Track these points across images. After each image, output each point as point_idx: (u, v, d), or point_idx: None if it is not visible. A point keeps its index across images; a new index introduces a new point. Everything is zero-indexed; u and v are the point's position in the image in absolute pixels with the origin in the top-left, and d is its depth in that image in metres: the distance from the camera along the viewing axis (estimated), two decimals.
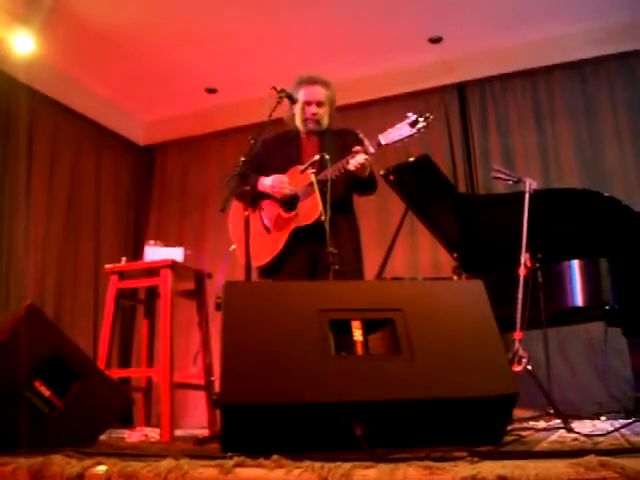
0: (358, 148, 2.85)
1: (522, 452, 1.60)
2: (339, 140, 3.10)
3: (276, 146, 3.21)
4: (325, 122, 3.17)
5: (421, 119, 2.79)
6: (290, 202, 3.06)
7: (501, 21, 5.11)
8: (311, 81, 3.18)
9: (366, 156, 2.85)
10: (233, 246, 3.11)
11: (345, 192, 3.09)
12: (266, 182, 3.09)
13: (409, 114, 2.84)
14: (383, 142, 2.85)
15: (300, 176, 2.97)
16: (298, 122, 3.18)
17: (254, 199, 3.10)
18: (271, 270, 3.09)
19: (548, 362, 3.23)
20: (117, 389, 2.50)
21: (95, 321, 5.55)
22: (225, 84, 5.93)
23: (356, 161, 2.85)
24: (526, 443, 1.95)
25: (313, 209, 2.86)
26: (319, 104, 3.15)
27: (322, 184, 2.79)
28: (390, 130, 2.85)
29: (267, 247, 3.06)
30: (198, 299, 3.78)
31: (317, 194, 2.73)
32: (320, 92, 3.16)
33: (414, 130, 2.80)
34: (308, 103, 3.13)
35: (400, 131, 2.82)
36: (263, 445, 1.52)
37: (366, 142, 2.86)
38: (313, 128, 3.15)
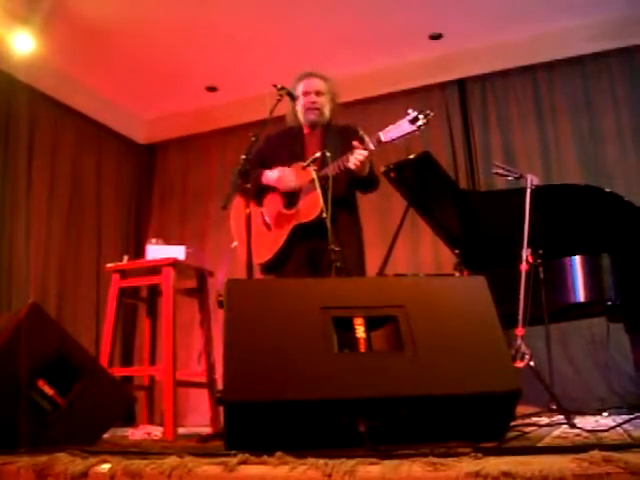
0: (358, 144, 2.85)
1: (525, 448, 1.60)
2: (342, 136, 3.09)
3: (279, 142, 3.21)
4: (326, 112, 3.16)
5: (421, 116, 2.78)
6: (292, 198, 3.05)
7: (501, 17, 5.10)
8: (308, 74, 3.22)
9: (365, 152, 2.85)
10: (235, 243, 3.11)
11: (347, 189, 3.08)
12: (271, 175, 3.09)
13: (409, 110, 2.83)
14: (383, 139, 2.84)
15: (302, 173, 2.97)
16: (300, 116, 3.18)
17: (257, 194, 3.10)
18: (273, 267, 3.10)
19: (550, 358, 3.22)
20: (120, 387, 2.50)
21: (97, 320, 5.56)
22: (225, 82, 5.93)
23: (355, 158, 2.84)
24: (529, 439, 1.95)
25: (314, 206, 2.86)
26: (318, 93, 3.15)
27: (323, 181, 2.79)
28: (390, 127, 2.84)
29: (267, 244, 3.06)
30: (200, 297, 3.78)
31: (318, 191, 2.73)
32: (318, 82, 3.18)
33: (414, 127, 2.79)
34: (307, 93, 3.14)
35: (400, 128, 2.82)
36: (266, 442, 1.53)
37: (366, 139, 2.85)
38: (314, 118, 3.14)
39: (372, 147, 2.85)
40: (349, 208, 3.12)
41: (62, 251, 5.52)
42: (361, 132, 2.88)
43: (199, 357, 3.67)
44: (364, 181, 3.06)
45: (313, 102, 3.12)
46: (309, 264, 2.98)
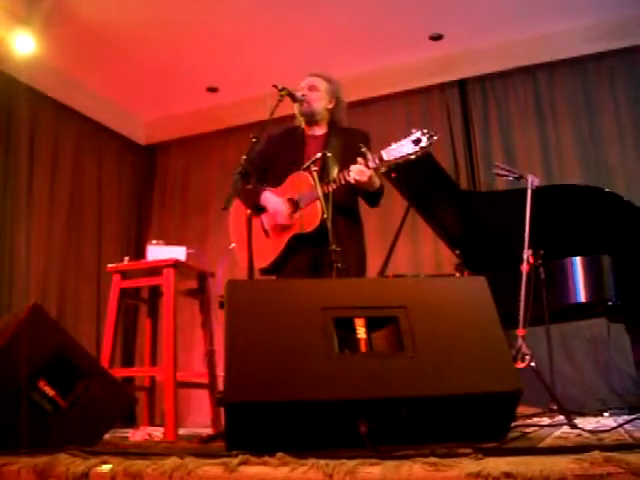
0: (361, 161, 2.84)
1: (526, 448, 1.60)
2: (346, 139, 3.06)
3: (280, 143, 3.18)
4: (317, 107, 3.12)
5: (424, 138, 2.77)
6: (292, 207, 3.02)
7: (501, 18, 5.10)
8: (309, 74, 3.20)
9: (367, 171, 2.83)
10: (232, 244, 3.10)
11: (348, 196, 3.05)
12: (271, 204, 3.02)
13: (413, 130, 2.80)
14: (385, 158, 2.83)
15: (303, 179, 2.94)
16: (298, 116, 3.18)
17: (256, 205, 3.06)
18: (272, 271, 3.08)
19: (551, 359, 3.23)
20: (121, 388, 2.50)
21: (98, 321, 5.57)
22: (226, 83, 5.94)
23: (356, 173, 2.82)
24: (530, 439, 1.95)
25: (314, 217, 2.84)
26: (311, 88, 3.13)
27: (325, 186, 2.78)
28: (394, 146, 2.82)
29: (266, 250, 3.04)
30: (201, 298, 3.78)
31: (320, 194, 2.72)
32: (314, 79, 3.16)
33: (417, 148, 2.77)
34: (301, 89, 3.13)
35: (403, 148, 2.80)
36: (267, 443, 1.53)
37: (369, 156, 2.84)
38: (303, 110, 3.13)
39: (373, 165, 2.84)
40: (350, 215, 3.08)
41: (63, 252, 5.52)
42: (364, 149, 2.86)
43: (205, 356, 3.67)
44: (373, 195, 3.04)
45: (303, 95, 3.10)
46: (309, 270, 2.96)
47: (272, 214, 3.02)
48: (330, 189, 2.77)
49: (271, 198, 3.03)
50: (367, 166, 2.82)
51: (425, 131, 2.79)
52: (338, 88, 3.21)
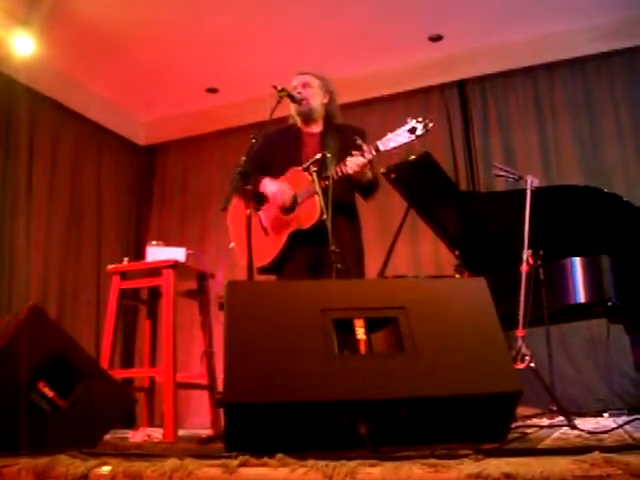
0: (357, 153, 2.85)
1: (526, 449, 1.60)
2: (342, 136, 3.07)
3: (278, 141, 3.19)
4: (314, 104, 3.15)
5: (420, 126, 2.77)
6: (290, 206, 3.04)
7: (501, 18, 5.10)
8: (299, 72, 3.22)
9: (363, 160, 2.84)
10: (232, 244, 3.11)
11: (346, 193, 3.06)
12: (269, 188, 3.05)
13: (408, 119, 2.82)
14: (381, 148, 2.84)
15: (300, 176, 2.95)
16: (295, 116, 3.19)
17: (255, 199, 3.07)
18: (271, 270, 3.09)
19: (551, 359, 3.22)
20: (120, 389, 2.50)
21: (97, 322, 5.56)
22: (226, 84, 5.93)
23: (353, 164, 2.84)
24: (530, 440, 1.95)
25: (312, 213, 2.85)
26: (304, 85, 3.15)
27: (324, 183, 2.78)
28: (389, 136, 2.83)
29: (266, 248, 3.04)
30: (200, 299, 3.78)
31: (319, 193, 2.72)
32: (306, 77, 3.18)
33: (412, 137, 2.78)
34: (295, 87, 3.14)
35: (399, 137, 2.81)
36: (267, 444, 1.52)
37: (365, 147, 2.85)
38: (300, 109, 3.13)
39: (369, 156, 2.84)
40: (348, 212, 3.09)
41: (62, 253, 5.52)
42: (359, 141, 2.87)
43: (202, 356, 3.67)
44: (366, 187, 3.05)
45: (299, 93, 3.11)
46: (309, 268, 2.96)
47: (274, 195, 3.03)
48: (329, 182, 2.76)
49: (270, 183, 3.06)
50: (363, 157, 2.83)
51: (420, 119, 2.79)
52: (329, 83, 3.23)
